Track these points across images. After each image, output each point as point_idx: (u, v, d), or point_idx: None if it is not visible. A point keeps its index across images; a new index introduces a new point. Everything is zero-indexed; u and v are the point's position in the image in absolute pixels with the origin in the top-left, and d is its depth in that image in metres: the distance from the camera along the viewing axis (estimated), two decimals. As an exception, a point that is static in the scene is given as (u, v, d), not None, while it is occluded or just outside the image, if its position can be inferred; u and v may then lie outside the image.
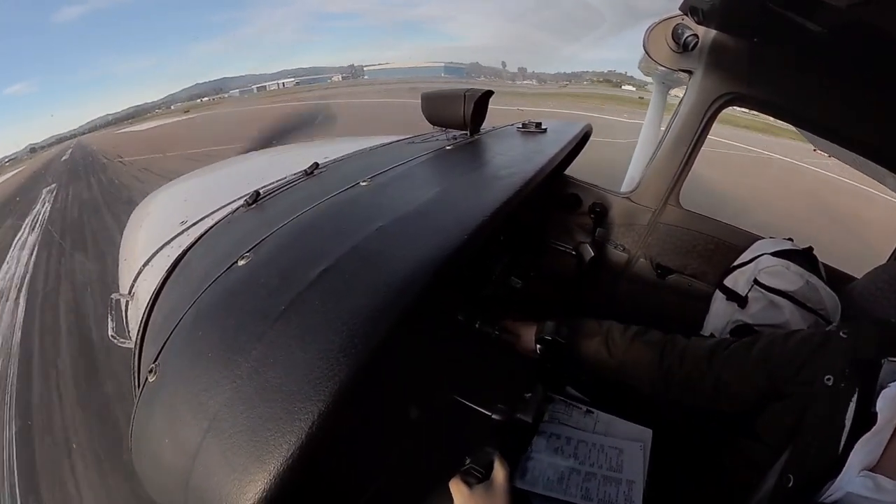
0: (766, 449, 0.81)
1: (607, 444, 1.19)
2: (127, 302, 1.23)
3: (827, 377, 0.76)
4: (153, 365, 0.66)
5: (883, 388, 0.70)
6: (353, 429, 0.85)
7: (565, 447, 1.18)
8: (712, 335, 1.52)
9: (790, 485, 0.71)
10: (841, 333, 0.82)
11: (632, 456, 1.16)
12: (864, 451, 0.66)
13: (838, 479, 0.66)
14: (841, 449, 0.68)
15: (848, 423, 0.70)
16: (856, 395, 0.71)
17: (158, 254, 1.28)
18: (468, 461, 0.84)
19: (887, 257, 1.75)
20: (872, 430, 0.66)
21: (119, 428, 3.24)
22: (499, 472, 0.83)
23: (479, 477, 0.82)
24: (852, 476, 0.65)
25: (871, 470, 0.64)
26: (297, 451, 0.47)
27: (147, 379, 0.65)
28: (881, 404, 0.67)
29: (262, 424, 0.50)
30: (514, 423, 1.05)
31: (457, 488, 0.80)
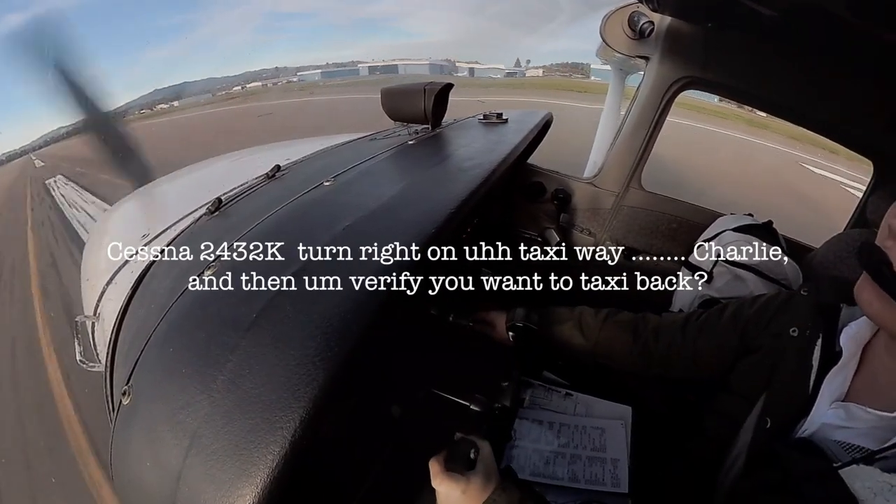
0: (742, 402, 0.85)
1: (589, 424, 1.21)
2: (93, 324, 1.18)
3: (792, 329, 0.82)
4: (126, 387, 0.64)
5: (844, 327, 0.75)
6: (337, 432, 0.84)
7: (548, 432, 1.20)
8: (681, 311, 1.56)
9: (768, 426, 0.75)
10: (802, 291, 0.90)
11: (614, 434, 1.18)
12: (832, 385, 0.71)
13: (811, 413, 0.71)
14: (811, 387, 0.73)
15: (815, 363, 0.75)
16: (820, 339, 0.77)
17: (122, 271, 1.23)
18: (450, 448, 0.83)
19: (843, 226, 1.82)
20: (839, 364, 0.71)
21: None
22: (484, 449, 0.82)
23: (462, 459, 0.81)
24: (824, 409, 0.70)
25: (843, 401, 0.69)
26: (281, 460, 0.47)
27: (121, 402, 0.63)
28: (844, 340, 0.73)
29: (244, 437, 0.49)
30: (495, 410, 1.06)
31: (438, 471, 0.78)
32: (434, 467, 0.79)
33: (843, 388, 0.70)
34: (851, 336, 0.72)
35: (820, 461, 0.63)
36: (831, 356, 0.73)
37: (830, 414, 0.69)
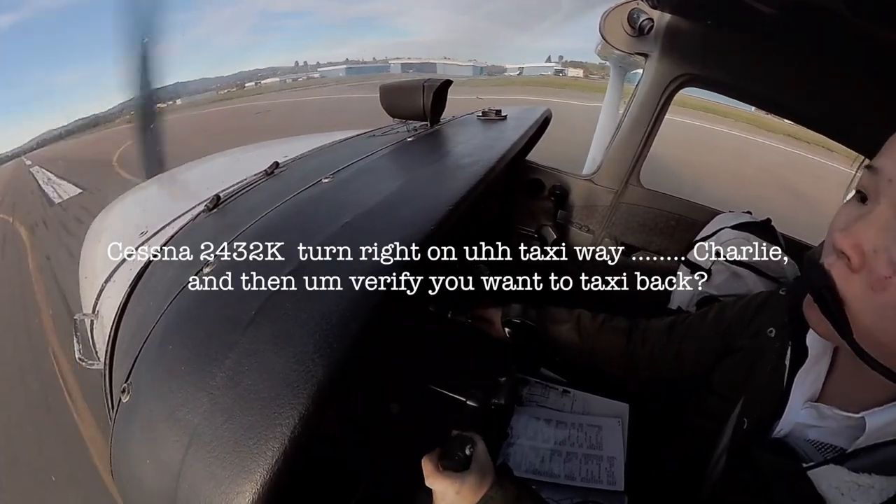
0: (722, 402, 0.86)
1: (586, 422, 1.21)
2: (91, 322, 1.18)
3: (770, 330, 0.83)
4: (125, 384, 0.64)
5: None
6: (336, 428, 0.84)
7: (545, 429, 1.20)
8: (679, 308, 1.57)
9: (745, 427, 0.76)
10: (780, 291, 0.90)
11: (610, 432, 1.19)
12: (804, 385, 0.70)
13: (785, 413, 0.70)
14: (784, 387, 0.72)
15: (787, 363, 0.74)
16: (791, 339, 0.76)
17: (120, 268, 1.23)
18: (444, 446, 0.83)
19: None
20: (805, 364, 0.70)
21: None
22: (478, 446, 0.82)
23: (457, 459, 0.81)
24: (797, 409, 0.69)
25: (815, 401, 0.68)
26: (281, 456, 0.47)
27: (120, 400, 0.63)
28: (810, 339, 0.71)
29: (244, 434, 0.49)
30: (491, 406, 1.06)
31: (432, 470, 0.78)
32: (427, 466, 0.79)
33: (816, 388, 0.69)
34: (817, 336, 0.70)
35: (790, 462, 0.63)
36: (801, 357, 0.72)
37: (803, 414, 0.68)
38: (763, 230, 1.53)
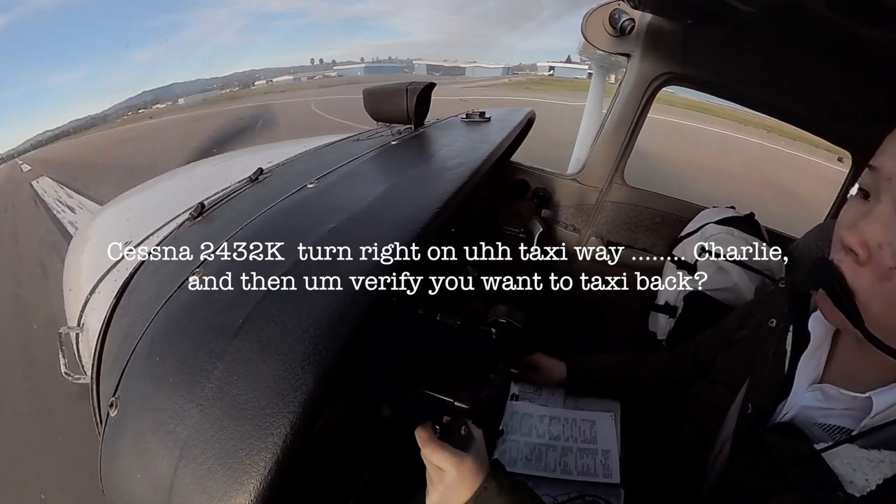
0: (724, 391, 0.87)
1: (579, 417, 1.22)
2: (77, 335, 1.16)
3: (771, 321, 0.85)
4: (113, 398, 0.63)
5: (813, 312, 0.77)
6: (328, 435, 0.84)
7: (538, 425, 1.21)
8: (667, 304, 1.58)
9: (749, 412, 0.77)
10: (780, 284, 0.91)
11: (604, 426, 1.19)
12: (807, 368, 0.72)
13: (790, 396, 0.72)
14: (787, 371, 0.74)
15: (789, 348, 0.76)
16: (792, 325, 0.78)
17: (105, 279, 1.21)
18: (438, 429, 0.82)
19: (824, 217, 1.85)
20: (808, 348, 0.73)
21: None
22: (476, 433, 0.81)
23: (454, 436, 0.78)
24: (802, 392, 0.71)
25: (817, 384, 0.70)
26: (273, 466, 0.46)
27: (109, 414, 0.62)
28: (812, 324, 0.74)
29: (235, 445, 0.48)
30: (483, 400, 1.06)
31: (428, 439, 0.75)
32: (422, 435, 0.76)
33: (819, 370, 0.71)
34: (819, 320, 0.73)
35: (801, 443, 0.64)
36: (803, 341, 0.74)
37: (808, 396, 0.69)
38: (747, 224, 1.55)
